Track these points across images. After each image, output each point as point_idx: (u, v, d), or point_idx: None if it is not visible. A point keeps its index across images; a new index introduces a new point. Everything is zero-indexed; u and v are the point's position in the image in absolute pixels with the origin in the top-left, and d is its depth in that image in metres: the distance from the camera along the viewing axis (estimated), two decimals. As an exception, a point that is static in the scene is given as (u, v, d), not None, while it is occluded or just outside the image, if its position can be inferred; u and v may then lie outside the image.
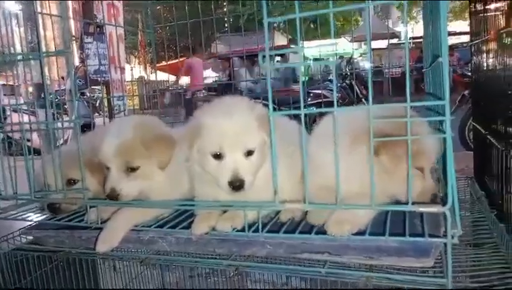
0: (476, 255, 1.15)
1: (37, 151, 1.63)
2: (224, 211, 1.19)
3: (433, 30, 1.23)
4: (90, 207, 1.29)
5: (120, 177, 1.21)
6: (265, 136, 1.12)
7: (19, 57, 1.41)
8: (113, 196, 1.20)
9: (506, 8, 1.29)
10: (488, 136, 1.38)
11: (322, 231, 1.05)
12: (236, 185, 1.09)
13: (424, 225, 1.02)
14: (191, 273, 2.45)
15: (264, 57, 0.95)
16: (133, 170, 1.23)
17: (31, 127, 1.50)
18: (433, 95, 1.11)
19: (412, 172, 0.90)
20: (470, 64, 1.92)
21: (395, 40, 12.13)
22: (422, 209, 0.91)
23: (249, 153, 1.12)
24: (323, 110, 0.97)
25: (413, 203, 0.89)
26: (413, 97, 0.86)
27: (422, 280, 0.96)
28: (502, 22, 1.32)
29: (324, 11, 0.97)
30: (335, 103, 0.91)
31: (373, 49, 11.00)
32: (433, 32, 1.22)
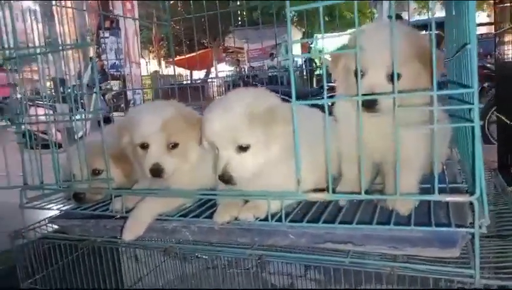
0: (500, 247, 1.14)
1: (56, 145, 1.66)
2: (246, 201, 1.20)
3: (457, 19, 1.20)
4: (115, 196, 1.31)
5: (162, 152, 1.23)
6: (259, 133, 1.11)
7: (38, 51, 1.44)
8: (156, 171, 1.21)
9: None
10: (514, 127, 1.36)
11: (346, 221, 1.05)
12: (225, 179, 1.11)
13: (450, 215, 1.01)
14: (210, 264, 2.48)
15: (286, 48, 0.95)
16: (173, 146, 1.25)
17: (55, 119, 1.53)
18: (458, 84, 1.09)
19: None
20: (492, 55, 1.88)
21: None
22: (449, 198, 0.90)
23: (242, 148, 1.12)
24: (346, 98, 0.97)
25: (439, 193, 0.89)
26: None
27: (448, 271, 0.96)
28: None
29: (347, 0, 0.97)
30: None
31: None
32: (457, 21, 1.20)
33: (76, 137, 1.64)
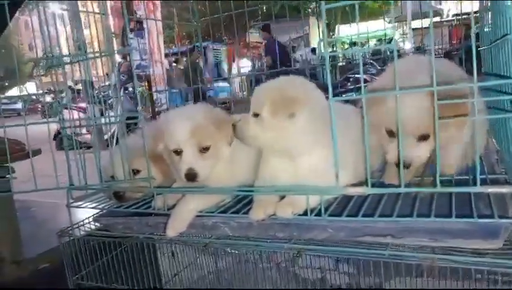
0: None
1: (88, 147, 1.74)
2: (282, 197, 1.22)
3: (495, 5, 1.19)
4: (157, 194, 1.37)
5: (195, 157, 1.28)
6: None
7: (65, 59, 1.50)
8: (191, 176, 1.26)
9: None
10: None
11: (385, 214, 1.06)
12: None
13: (492, 206, 1.00)
14: (243, 258, 2.52)
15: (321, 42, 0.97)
16: (205, 149, 1.29)
17: (80, 124, 1.60)
18: (495, 75, 1.07)
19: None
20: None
21: (437, 19, 11.61)
22: (491, 189, 0.90)
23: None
24: (385, 93, 0.97)
25: (481, 184, 0.89)
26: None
27: (491, 262, 0.96)
28: None
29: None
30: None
31: (414, 29, 10.60)
32: (495, 7, 1.18)
33: (104, 138, 1.71)
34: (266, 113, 1.14)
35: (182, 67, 9.06)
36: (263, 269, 2.54)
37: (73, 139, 1.43)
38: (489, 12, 1.36)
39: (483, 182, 1.07)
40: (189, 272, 2.38)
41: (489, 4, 1.37)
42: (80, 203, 1.51)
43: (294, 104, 1.12)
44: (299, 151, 1.17)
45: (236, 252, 2.53)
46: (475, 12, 1.79)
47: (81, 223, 1.61)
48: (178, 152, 1.30)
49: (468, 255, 1.01)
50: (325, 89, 1.08)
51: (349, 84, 6.40)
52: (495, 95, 1.19)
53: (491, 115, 0.96)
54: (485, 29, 1.50)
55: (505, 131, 1.09)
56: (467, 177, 1.21)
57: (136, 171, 1.51)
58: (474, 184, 0.89)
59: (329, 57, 0.99)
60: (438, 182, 0.92)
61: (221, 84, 9.36)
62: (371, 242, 1.13)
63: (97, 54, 1.53)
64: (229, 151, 1.35)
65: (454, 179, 1.23)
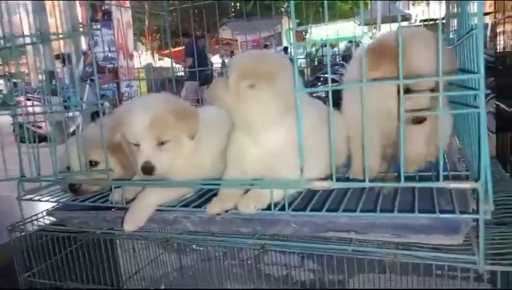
0: (501, 233, 1.14)
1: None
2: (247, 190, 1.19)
3: (461, 4, 1.20)
4: (115, 187, 1.30)
5: (153, 150, 1.22)
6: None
7: (28, 40, 1.41)
8: (148, 169, 1.20)
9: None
10: (515, 114, 1.36)
11: (349, 209, 1.05)
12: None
13: (454, 202, 1.01)
14: (207, 256, 2.48)
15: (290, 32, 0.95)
16: (163, 143, 1.23)
17: (51, 110, 1.50)
18: (463, 70, 1.08)
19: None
20: (492, 43, 1.89)
21: (406, 23, 11.93)
22: (454, 185, 0.90)
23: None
24: (352, 85, 0.96)
25: (444, 180, 0.89)
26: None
27: (452, 257, 0.96)
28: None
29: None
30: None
31: (383, 33, 10.80)
32: (459, 9, 1.19)
33: (67, 131, 1.62)
34: (232, 78, 1.12)
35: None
36: (228, 266, 2.51)
37: (24, 129, 1.34)
38: (456, 19, 1.38)
39: (446, 179, 1.07)
40: (151, 269, 2.31)
41: (455, 10, 1.39)
42: (32, 196, 1.42)
43: (256, 76, 1.09)
44: (259, 127, 1.14)
45: (201, 249, 2.49)
46: (442, 18, 1.84)
47: (34, 217, 1.52)
48: (136, 144, 1.23)
49: (429, 251, 1.01)
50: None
51: (319, 84, 6.46)
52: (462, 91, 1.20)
53: (454, 111, 0.97)
54: (450, 36, 1.53)
55: (467, 128, 1.10)
56: (430, 173, 1.22)
57: (93, 163, 1.44)
58: (437, 180, 0.89)
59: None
60: (402, 176, 0.92)
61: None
62: (335, 237, 1.12)
63: (58, 36, 1.44)
64: (190, 145, 1.29)
65: (418, 176, 1.23)
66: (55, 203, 1.47)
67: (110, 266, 1.83)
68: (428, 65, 1.03)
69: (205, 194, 1.28)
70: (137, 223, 1.21)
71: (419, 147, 1.23)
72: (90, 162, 1.42)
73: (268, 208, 1.10)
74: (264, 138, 1.16)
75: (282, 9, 16.32)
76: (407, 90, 1.06)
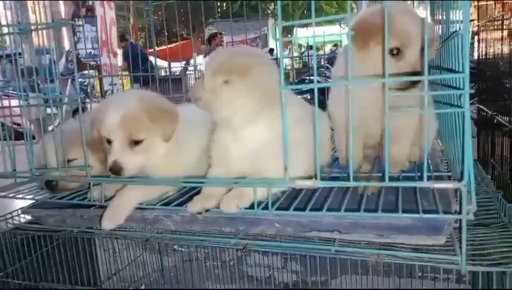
0: (483, 234, 1.16)
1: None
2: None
3: (446, 7, 1.21)
4: (94, 185, 1.26)
5: (123, 150, 1.17)
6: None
7: (5, 30, 1.36)
8: (116, 169, 1.16)
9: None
10: (496, 117, 1.38)
11: (333, 208, 1.04)
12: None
13: (437, 203, 1.01)
14: (188, 257, 2.45)
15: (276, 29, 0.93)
16: (136, 143, 1.18)
17: (28, 104, 1.46)
18: (447, 70, 1.09)
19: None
20: (476, 48, 1.92)
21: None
22: (437, 185, 0.89)
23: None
24: (338, 83, 0.95)
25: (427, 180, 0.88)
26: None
27: (434, 258, 0.96)
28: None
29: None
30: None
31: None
32: (446, 9, 1.20)
33: (48, 127, 1.57)
34: (206, 75, 1.11)
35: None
36: (210, 267, 2.48)
37: (3, 125, 1.29)
38: (440, 26, 1.40)
39: (429, 179, 1.07)
40: (131, 269, 2.26)
41: (440, 17, 1.40)
42: (6, 193, 1.36)
43: (229, 72, 1.08)
44: (237, 123, 1.13)
45: (183, 249, 2.45)
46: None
47: (9, 215, 1.47)
48: (109, 142, 1.20)
49: (412, 251, 1.01)
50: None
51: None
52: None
53: (438, 110, 0.97)
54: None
55: (450, 129, 1.11)
56: (414, 174, 1.22)
57: (73, 160, 1.39)
58: (421, 180, 0.88)
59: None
60: (386, 175, 0.91)
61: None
62: (318, 237, 1.11)
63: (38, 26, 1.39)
64: (165, 147, 1.23)
65: (401, 176, 1.23)
66: (31, 201, 1.42)
67: (88, 266, 1.79)
68: (415, 28, 1.03)
69: (188, 193, 1.25)
70: (116, 221, 1.17)
71: (402, 147, 1.23)
72: (69, 159, 1.37)
73: (252, 207, 1.08)
74: (243, 134, 1.14)
75: (269, 11, 16.36)
76: (398, 51, 1.06)
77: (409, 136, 1.21)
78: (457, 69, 0.91)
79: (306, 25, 0.98)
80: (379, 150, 1.31)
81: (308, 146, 1.11)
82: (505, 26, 1.34)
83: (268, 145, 1.11)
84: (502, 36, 1.43)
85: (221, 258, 2.56)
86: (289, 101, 0.93)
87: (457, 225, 0.93)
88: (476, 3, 1.85)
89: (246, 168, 1.15)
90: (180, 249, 2.45)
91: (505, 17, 1.34)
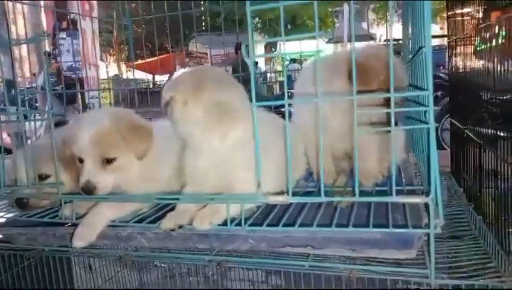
0: (455, 246, 1.17)
1: (7, 150, 1.55)
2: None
3: (413, 25, 1.24)
4: (65, 202, 1.24)
5: (95, 169, 1.16)
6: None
7: None
8: (88, 189, 1.15)
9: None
10: (466, 131, 1.41)
11: (305, 224, 1.04)
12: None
13: (407, 217, 1.02)
14: (169, 273, 2.41)
15: (247, 47, 0.94)
16: (109, 161, 1.17)
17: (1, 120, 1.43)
18: (415, 87, 1.12)
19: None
20: (445, 65, 1.97)
21: (371, 42, 12.32)
22: (405, 200, 0.91)
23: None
24: (306, 100, 0.96)
25: (396, 195, 0.90)
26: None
27: (405, 271, 0.97)
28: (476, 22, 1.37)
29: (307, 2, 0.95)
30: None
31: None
32: (413, 28, 1.23)
33: (27, 142, 1.54)
34: (165, 96, 1.13)
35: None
36: (192, 282, 2.45)
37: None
38: (410, 41, 1.44)
39: (401, 193, 1.09)
40: (109, 287, 2.21)
41: (410, 33, 1.44)
42: (-25, 211, 1.33)
43: (184, 92, 1.10)
44: (198, 141, 1.14)
45: (164, 265, 2.41)
46: (398, 40, 1.95)
47: (-22, 234, 1.42)
48: (81, 160, 1.18)
49: (384, 265, 1.01)
50: (262, 99, 1.04)
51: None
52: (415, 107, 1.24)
53: (405, 127, 0.99)
54: (409, 56, 1.59)
55: (421, 143, 1.13)
56: (386, 188, 1.24)
57: (44, 176, 1.36)
58: (391, 195, 0.90)
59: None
60: (357, 191, 0.92)
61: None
62: (292, 253, 1.10)
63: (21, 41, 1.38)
64: (138, 165, 1.22)
65: (374, 190, 1.25)
66: (0, 219, 1.38)
67: (65, 284, 1.74)
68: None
69: (162, 209, 1.24)
70: (87, 239, 1.15)
71: (368, 161, 1.26)
72: (40, 175, 1.35)
73: (225, 223, 1.08)
74: (205, 149, 1.14)
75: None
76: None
77: (371, 150, 1.24)
78: (423, 86, 0.93)
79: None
80: (351, 163, 1.33)
81: (279, 160, 1.12)
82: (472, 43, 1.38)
83: (232, 158, 1.12)
84: (471, 52, 1.47)
85: (203, 273, 2.53)
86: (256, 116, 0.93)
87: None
88: (446, 19, 1.92)
89: (217, 184, 1.15)
90: (160, 264, 2.41)
91: (472, 36, 1.38)
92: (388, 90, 0.83)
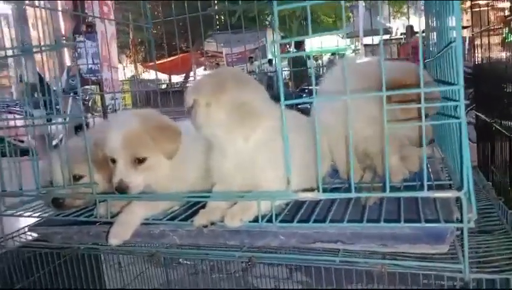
0: (486, 241, 1.16)
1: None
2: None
3: (439, 19, 1.23)
4: (99, 201, 1.28)
5: (128, 169, 1.20)
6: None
7: (9, 53, 1.39)
8: (122, 188, 1.18)
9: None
10: (495, 124, 1.40)
11: (336, 219, 1.05)
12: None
13: (438, 211, 1.02)
14: (194, 270, 2.45)
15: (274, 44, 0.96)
16: (140, 161, 1.21)
17: (33, 123, 1.48)
18: (442, 82, 1.11)
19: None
20: (470, 56, 1.94)
21: (387, 36, 12.18)
22: (438, 194, 0.91)
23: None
24: (335, 98, 0.97)
25: (428, 189, 0.90)
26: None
27: (438, 266, 0.97)
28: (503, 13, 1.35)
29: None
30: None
31: (365, 45, 11.05)
32: (439, 21, 1.22)
33: (52, 144, 1.59)
34: (188, 99, 1.16)
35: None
36: (216, 279, 2.48)
37: (5, 143, 1.31)
38: (435, 32, 1.42)
39: (430, 188, 1.09)
40: (137, 284, 2.27)
41: (435, 24, 1.43)
42: (13, 211, 1.38)
43: (207, 94, 1.12)
44: (223, 141, 1.16)
45: (188, 262, 2.46)
46: (422, 32, 1.91)
47: (16, 233, 1.48)
48: (114, 161, 1.22)
49: (416, 260, 1.02)
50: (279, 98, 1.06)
51: (304, 95, 6.53)
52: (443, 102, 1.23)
53: (435, 122, 0.99)
54: (430, 48, 1.57)
55: (449, 138, 1.13)
56: (415, 183, 1.24)
57: (78, 177, 1.41)
58: (422, 190, 0.90)
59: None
60: (387, 186, 0.93)
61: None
62: (322, 248, 1.12)
63: (42, 48, 1.42)
64: (168, 165, 1.26)
65: (402, 185, 1.25)
66: (37, 219, 1.44)
67: (95, 281, 1.79)
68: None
69: (192, 207, 1.26)
70: (122, 237, 1.19)
71: (394, 160, 1.26)
72: (74, 176, 1.39)
73: (256, 220, 1.10)
74: (230, 150, 1.16)
75: (267, 22, 16.51)
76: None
77: (394, 146, 1.26)
78: (452, 81, 0.93)
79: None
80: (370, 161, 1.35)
81: (301, 157, 1.13)
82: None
83: (257, 158, 1.14)
84: (498, 43, 1.45)
85: (227, 270, 2.56)
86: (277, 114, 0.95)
87: (460, 232, 0.95)
88: (469, 10, 1.89)
89: (243, 183, 1.16)
90: (185, 262, 2.45)
91: (497, 27, 1.37)
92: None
